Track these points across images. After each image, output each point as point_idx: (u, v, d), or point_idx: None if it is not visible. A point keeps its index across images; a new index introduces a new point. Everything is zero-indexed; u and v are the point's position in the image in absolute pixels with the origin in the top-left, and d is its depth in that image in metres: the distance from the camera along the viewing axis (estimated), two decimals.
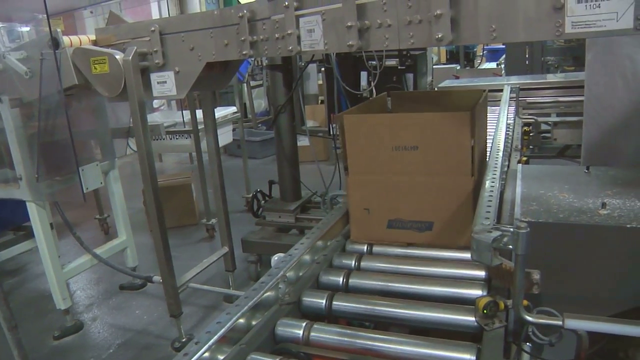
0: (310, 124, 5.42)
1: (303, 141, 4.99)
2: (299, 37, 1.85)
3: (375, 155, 1.97)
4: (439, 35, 1.35)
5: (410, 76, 3.87)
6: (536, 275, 1.35)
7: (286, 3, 1.86)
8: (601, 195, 1.57)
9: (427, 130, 1.87)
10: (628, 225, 1.33)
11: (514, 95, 4.15)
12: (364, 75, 3.90)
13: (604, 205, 1.46)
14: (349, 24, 1.60)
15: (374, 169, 1.99)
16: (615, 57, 2.13)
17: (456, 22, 1.35)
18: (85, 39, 2.75)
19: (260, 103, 8.98)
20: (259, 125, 7.97)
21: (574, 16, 1.18)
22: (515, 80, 4.79)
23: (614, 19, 1.15)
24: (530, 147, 3.96)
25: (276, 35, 1.98)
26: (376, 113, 2.36)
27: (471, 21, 1.33)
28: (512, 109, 3.86)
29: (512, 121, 3.52)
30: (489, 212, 1.31)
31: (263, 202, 4.30)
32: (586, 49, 2.32)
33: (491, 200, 1.39)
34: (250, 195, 4.77)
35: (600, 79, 2.17)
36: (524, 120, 3.73)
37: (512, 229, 1.16)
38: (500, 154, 1.93)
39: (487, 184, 1.58)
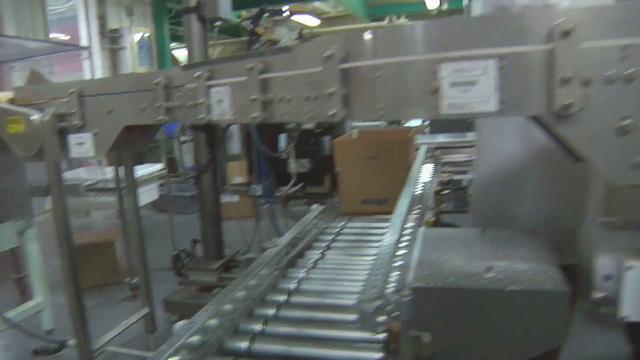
0: (239, 180, 5.47)
1: (231, 197, 5.01)
2: (209, 107, 1.91)
3: (353, 162, 3.45)
4: (332, 112, 1.44)
5: (327, 139, 4.02)
6: (426, 338, 1.41)
7: (197, 73, 1.93)
8: (491, 258, 1.67)
9: (383, 147, 3.44)
10: (507, 289, 1.43)
11: (437, 153, 4.38)
12: (282, 137, 4.02)
13: (489, 268, 1.56)
14: (253, 97, 1.68)
15: (353, 170, 3.43)
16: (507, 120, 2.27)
17: (347, 99, 1.44)
18: (2, 97, 2.72)
19: (191, 158, 8.93)
20: (189, 180, 7.92)
21: (448, 98, 1.29)
22: (442, 138, 5.00)
23: (482, 101, 1.27)
24: (453, 202, 4.14)
25: (189, 103, 2.03)
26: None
27: (361, 100, 1.43)
28: (432, 167, 4.05)
29: (430, 179, 3.68)
30: (377, 279, 1.38)
31: (186, 260, 4.26)
32: None
33: (380, 268, 1.46)
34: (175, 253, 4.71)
35: (491, 139, 2.30)
36: (441, 178, 3.90)
37: (395, 297, 1.23)
38: (401, 218, 2.03)
39: (383, 248, 1.65)
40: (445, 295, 1.47)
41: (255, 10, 4.20)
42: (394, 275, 1.53)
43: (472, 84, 1.27)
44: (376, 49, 1.39)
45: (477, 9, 2.31)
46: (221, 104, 1.87)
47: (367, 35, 1.39)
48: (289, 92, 1.60)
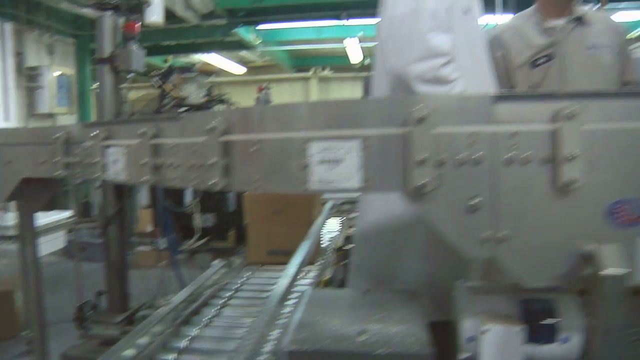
0: (150, 228, 5.41)
1: (144, 246, 4.94)
2: (104, 166, 1.95)
3: (262, 215, 3.65)
4: (213, 181, 1.51)
5: (231, 195, 4.11)
6: None
7: (94, 133, 1.96)
8: (369, 319, 1.76)
9: (288, 202, 3.63)
10: (374, 352, 1.51)
11: (346, 207, 4.51)
12: (188, 192, 4.07)
13: (363, 331, 1.64)
14: (144, 160, 1.73)
15: (261, 222, 3.63)
16: None
17: (228, 170, 1.52)
18: None
19: None
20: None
21: (317, 174, 1.40)
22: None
23: (347, 179, 1.39)
24: None
25: (87, 161, 2.06)
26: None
27: (239, 171, 1.51)
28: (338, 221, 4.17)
29: (336, 234, 3.80)
30: (248, 344, 1.43)
31: (90, 312, 4.15)
32: None
33: (256, 330, 1.52)
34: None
35: (374, 198, 2.37)
36: (347, 234, 4.01)
37: None
38: (286, 280, 2.10)
39: (263, 311, 1.71)
40: (318, 358, 1.54)
41: (164, 67, 4.26)
42: (272, 336, 1.59)
43: (338, 162, 1.39)
44: (254, 125, 1.49)
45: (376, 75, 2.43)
46: (116, 164, 1.91)
47: (248, 112, 1.50)
48: (177, 159, 1.67)
